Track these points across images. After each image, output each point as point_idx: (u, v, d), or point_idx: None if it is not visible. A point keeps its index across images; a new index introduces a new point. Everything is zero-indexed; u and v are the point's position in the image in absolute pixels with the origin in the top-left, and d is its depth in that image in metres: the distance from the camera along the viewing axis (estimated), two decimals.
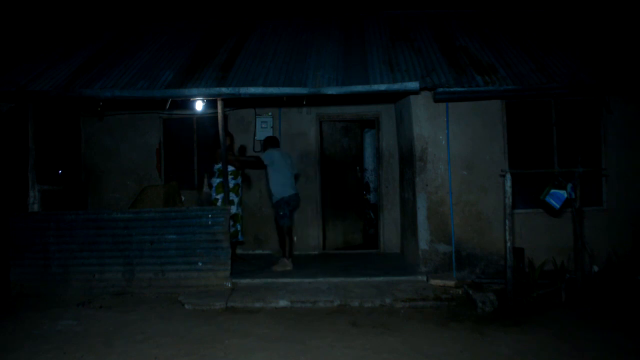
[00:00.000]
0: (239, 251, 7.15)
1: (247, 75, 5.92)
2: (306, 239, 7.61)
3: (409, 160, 6.41)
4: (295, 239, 6.64)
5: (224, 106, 5.99)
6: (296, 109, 7.62)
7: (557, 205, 5.17)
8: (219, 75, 5.97)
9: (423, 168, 6.03)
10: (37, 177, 6.05)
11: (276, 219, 6.52)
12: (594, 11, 7.58)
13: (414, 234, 6.16)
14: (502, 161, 5.95)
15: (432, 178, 6.00)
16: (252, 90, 5.59)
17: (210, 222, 5.72)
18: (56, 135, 7.21)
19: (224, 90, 5.59)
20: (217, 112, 5.95)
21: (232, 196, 6.58)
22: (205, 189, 6.88)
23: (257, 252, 7.58)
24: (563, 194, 5.12)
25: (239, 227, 6.75)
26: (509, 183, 4.89)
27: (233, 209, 6.57)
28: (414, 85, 5.49)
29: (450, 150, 5.98)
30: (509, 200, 4.90)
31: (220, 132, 5.92)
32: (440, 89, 5.54)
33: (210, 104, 6.57)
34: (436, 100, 5.85)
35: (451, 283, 5.58)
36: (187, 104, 6.63)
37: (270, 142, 6.60)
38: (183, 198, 6.83)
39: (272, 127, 7.58)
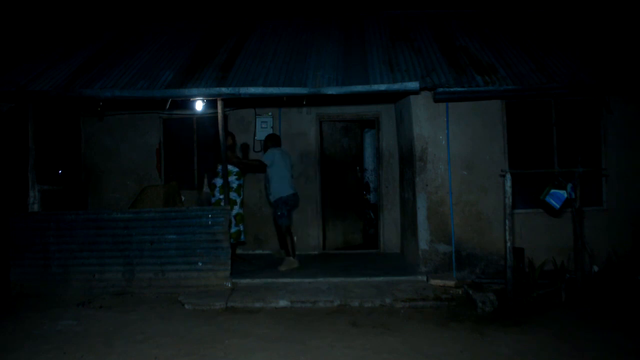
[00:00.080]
0: (239, 251, 7.15)
1: (247, 75, 5.92)
2: (306, 238, 7.61)
3: (409, 160, 6.41)
4: (295, 238, 6.64)
5: (224, 106, 5.99)
6: (296, 109, 7.62)
7: (557, 205, 5.17)
8: (219, 75, 5.97)
9: (423, 168, 6.03)
10: (37, 177, 6.04)
11: (274, 219, 6.52)
12: (594, 11, 7.58)
13: (414, 234, 6.16)
14: (502, 161, 5.95)
15: (432, 178, 6.00)
16: (252, 90, 5.59)
17: (210, 222, 5.72)
18: (56, 135, 7.21)
19: (224, 90, 5.59)
20: (217, 112, 5.96)
21: (235, 196, 6.57)
22: (205, 188, 6.87)
23: (257, 252, 7.58)
24: (563, 194, 5.12)
25: (242, 228, 6.72)
26: (509, 183, 4.89)
27: (236, 209, 6.57)
28: (414, 85, 5.49)
29: (450, 150, 5.98)
30: (509, 200, 4.90)
31: (220, 132, 5.91)
32: (440, 89, 5.54)
33: (210, 104, 6.57)
34: (436, 100, 5.85)
35: (451, 283, 5.58)
36: (187, 104, 6.62)
37: (272, 141, 6.59)
38: (183, 198, 6.83)
39: (272, 127, 7.58)
